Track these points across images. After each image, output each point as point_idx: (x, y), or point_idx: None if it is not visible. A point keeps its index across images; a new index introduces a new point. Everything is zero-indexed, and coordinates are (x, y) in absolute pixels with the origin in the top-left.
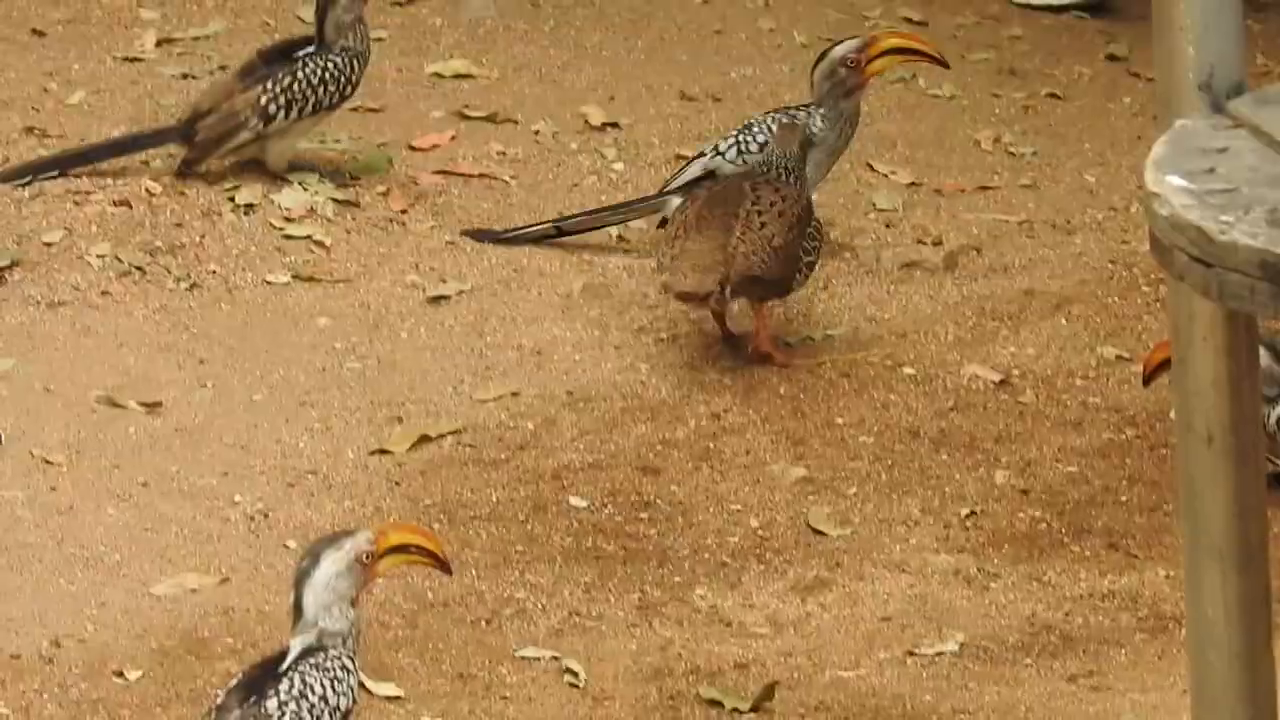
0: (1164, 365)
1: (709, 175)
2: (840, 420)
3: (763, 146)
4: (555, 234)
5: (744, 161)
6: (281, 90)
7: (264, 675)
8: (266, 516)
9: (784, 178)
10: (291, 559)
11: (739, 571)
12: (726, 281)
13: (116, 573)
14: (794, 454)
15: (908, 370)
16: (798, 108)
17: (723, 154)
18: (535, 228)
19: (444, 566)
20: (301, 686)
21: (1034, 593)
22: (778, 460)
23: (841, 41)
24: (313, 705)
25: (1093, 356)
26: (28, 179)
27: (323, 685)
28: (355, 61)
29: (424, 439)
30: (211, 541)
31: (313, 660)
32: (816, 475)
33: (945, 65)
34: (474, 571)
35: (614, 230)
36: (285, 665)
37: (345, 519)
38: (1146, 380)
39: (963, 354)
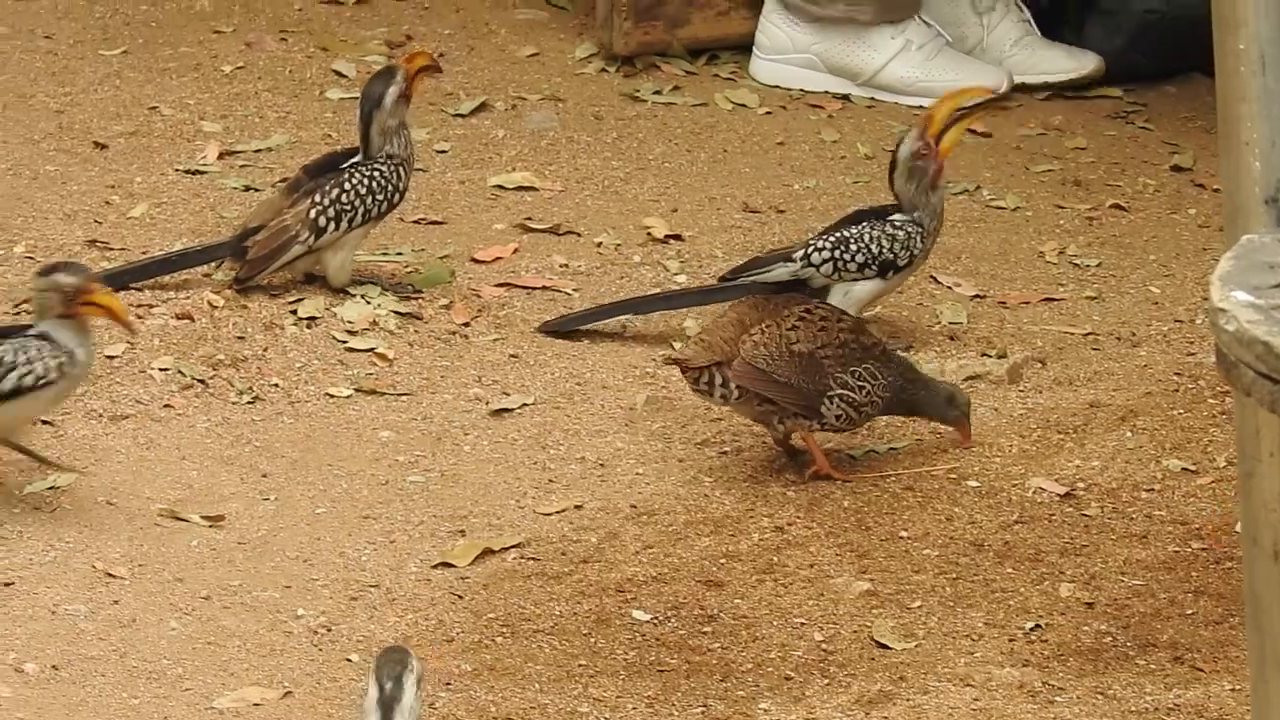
0: None
1: (798, 283)
2: (904, 533)
3: (862, 267)
4: (630, 312)
5: (839, 278)
6: (330, 202)
7: None
8: (329, 630)
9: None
10: (354, 672)
11: (803, 685)
12: (724, 363)
13: (179, 686)
14: (858, 567)
15: (972, 483)
16: (884, 208)
17: (816, 267)
18: (610, 308)
19: None
20: None
21: (1099, 707)
22: (841, 573)
23: (900, 142)
24: None
25: (1158, 469)
26: None
27: None
28: (401, 169)
29: (487, 552)
30: (274, 655)
31: None
32: (880, 588)
33: (1003, 102)
34: (537, 685)
35: (678, 345)
36: None
37: (408, 632)
38: None
39: (1027, 467)
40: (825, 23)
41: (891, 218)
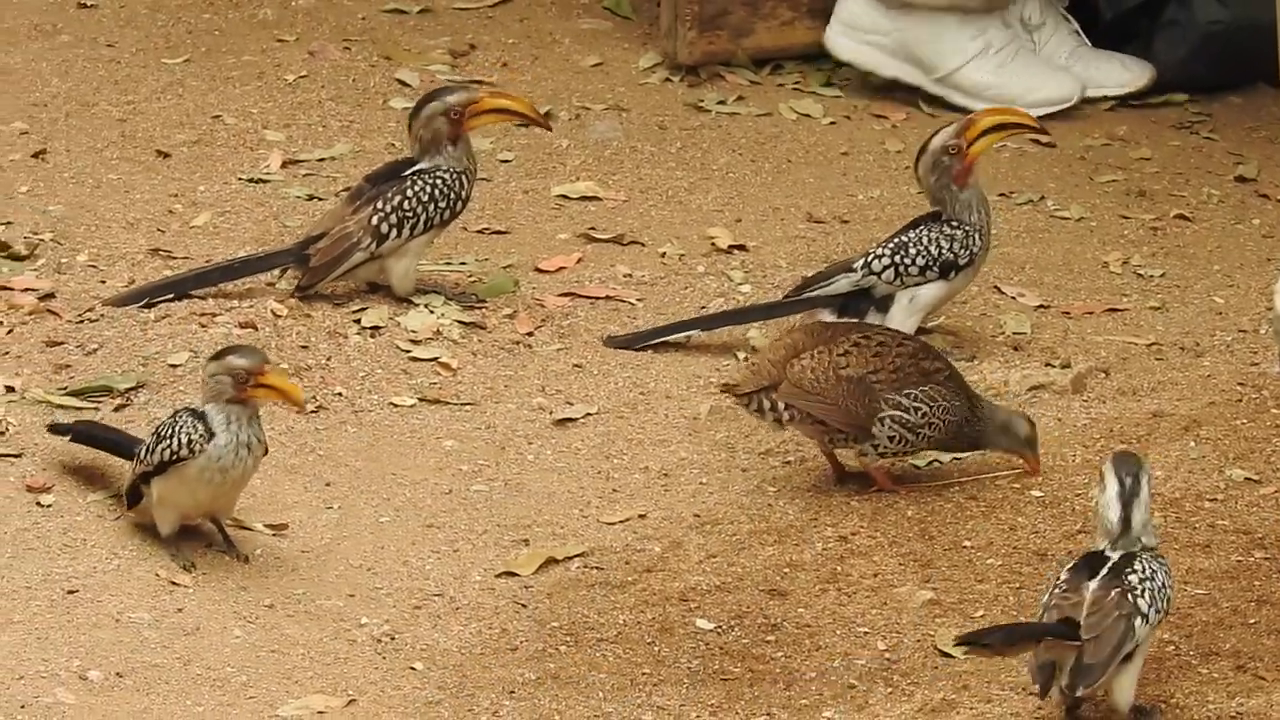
0: None
1: (862, 293)
2: (968, 543)
3: (924, 269)
4: (696, 330)
5: (902, 283)
6: (393, 209)
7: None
8: (393, 639)
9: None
10: (418, 681)
11: (866, 694)
12: (773, 388)
13: (243, 694)
14: (921, 576)
15: (1035, 493)
16: (927, 216)
17: (878, 274)
18: (676, 326)
19: None
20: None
21: (1162, 715)
22: (905, 582)
23: (939, 131)
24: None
25: (1221, 479)
26: (143, 301)
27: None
28: (464, 178)
29: (551, 561)
30: (338, 663)
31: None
32: (944, 597)
33: (1044, 134)
34: (601, 694)
35: (742, 355)
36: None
37: (471, 641)
38: None
39: (1091, 476)
40: (914, 10)
41: (946, 226)
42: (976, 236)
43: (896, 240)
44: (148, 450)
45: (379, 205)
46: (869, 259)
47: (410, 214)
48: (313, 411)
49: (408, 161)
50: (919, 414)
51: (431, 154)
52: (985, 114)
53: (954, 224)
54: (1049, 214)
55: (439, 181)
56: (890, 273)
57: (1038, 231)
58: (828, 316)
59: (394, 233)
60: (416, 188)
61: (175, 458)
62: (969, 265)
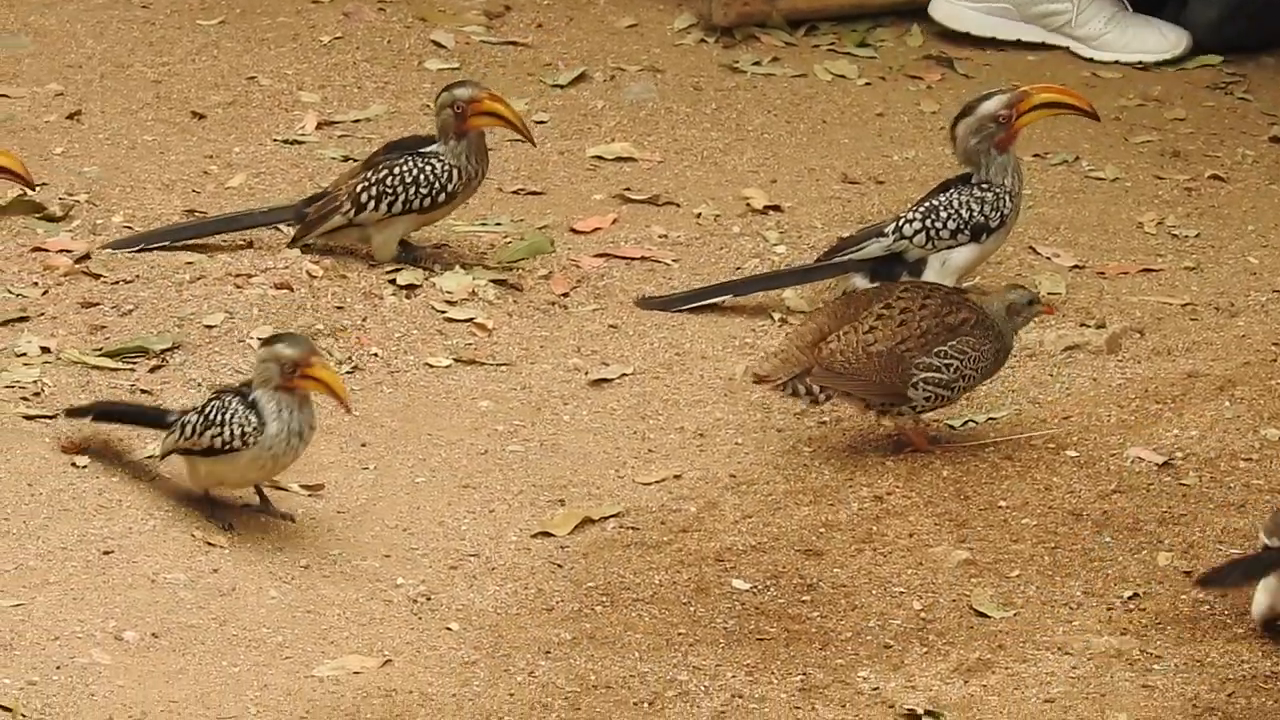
0: None
1: (894, 257)
2: (1003, 503)
3: (954, 233)
4: (730, 294)
5: (933, 247)
6: (376, 182)
7: None
8: (429, 599)
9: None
10: (454, 641)
11: (902, 654)
12: (805, 373)
13: (279, 654)
14: (957, 536)
15: (1071, 453)
16: (957, 179)
17: (909, 239)
18: (710, 290)
19: None
20: None
21: (1197, 675)
22: (940, 542)
23: (990, 95)
24: None
25: (1256, 439)
26: (138, 247)
27: None
28: (455, 173)
29: (586, 521)
30: (374, 624)
31: None
32: (979, 557)
33: (1095, 118)
34: (637, 653)
35: (777, 316)
36: None
37: (507, 601)
38: None
39: (1126, 436)
40: None
41: (977, 188)
42: (1007, 199)
43: (927, 204)
44: (194, 430)
45: (368, 175)
46: (900, 223)
47: (390, 191)
48: (349, 372)
49: (430, 139)
50: (952, 370)
51: (441, 140)
52: (1041, 89)
53: (984, 186)
54: (1084, 174)
55: (428, 169)
56: (921, 237)
57: (1073, 192)
58: (860, 281)
59: (372, 204)
60: (404, 169)
61: (227, 447)
62: (1000, 228)
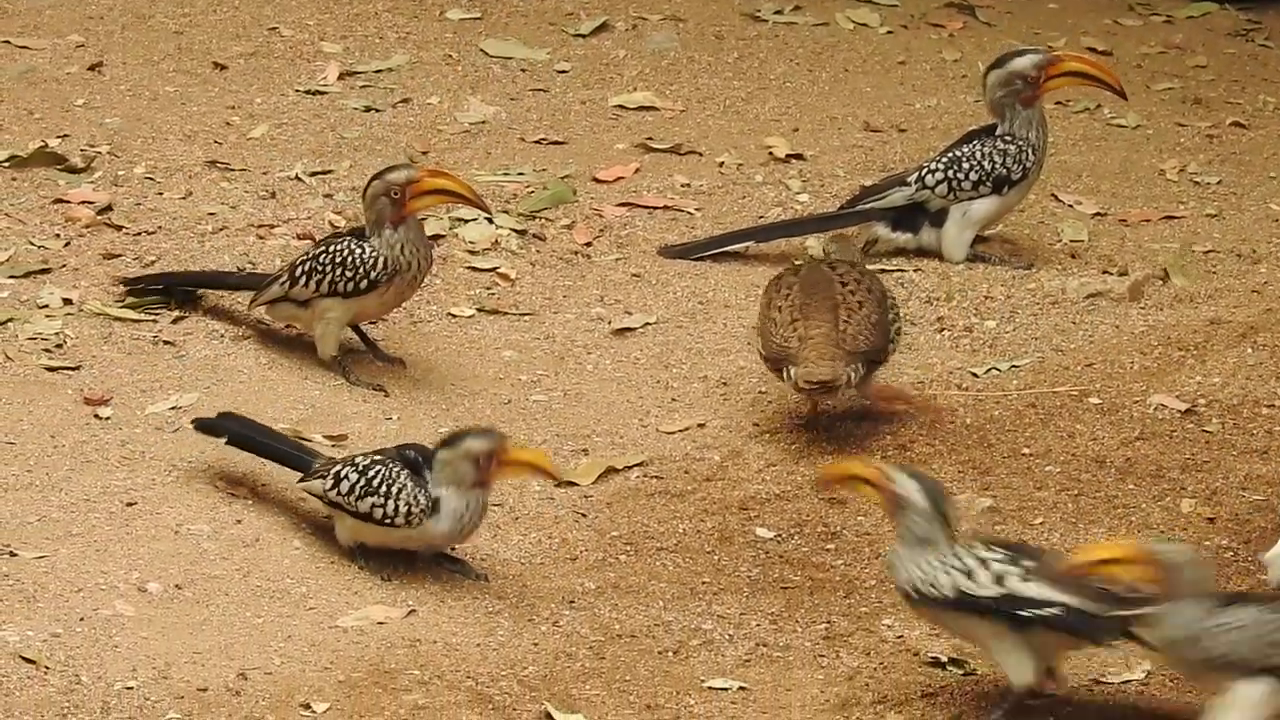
0: None
1: (916, 206)
2: (1027, 450)
3: (976, 184)
4: (751, 242)
5: (955, 197)
6: (310, 258)
7: None
8: (453, 549)
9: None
10: (478, 591)
11: None
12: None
13: (302, 605)
14: (981, 483)
15: (1094, 400)
16: (981, 130)
17: (931, 188)
18: (733, 236)
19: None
20: None
21: None
22: (964, 490)
23: (1023, 53)
24: None
25: (1278, 385)
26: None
27: None
28: (382, 260)
29: (610, 471)
30: (397, 574)
31: None
32: (1003, 504)
33: (1123, 96)
34: (661, 602)
35: (798, 262)
36: None
37: (532, 551)
38: None
39: (1148, 383)
40: None
41: (1000, 140)
42: (1030, 152)
43: (950, 154)
44: (351, 490)
45: (309, 251)
46: (923, 173)
47: (319, 269)
48: (371, 323)
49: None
50: (898, 316)
51: (375, 232)
52: (1073, 59)
53: (1008, 138)
54: (1105, 122)
55: (357, 252)
56: (944, 187)
57: (1095, 139)
58: (882, 229)
59: (304, 280)
60: (335, 249)
61: (388, 521)
62: (1022, 180)
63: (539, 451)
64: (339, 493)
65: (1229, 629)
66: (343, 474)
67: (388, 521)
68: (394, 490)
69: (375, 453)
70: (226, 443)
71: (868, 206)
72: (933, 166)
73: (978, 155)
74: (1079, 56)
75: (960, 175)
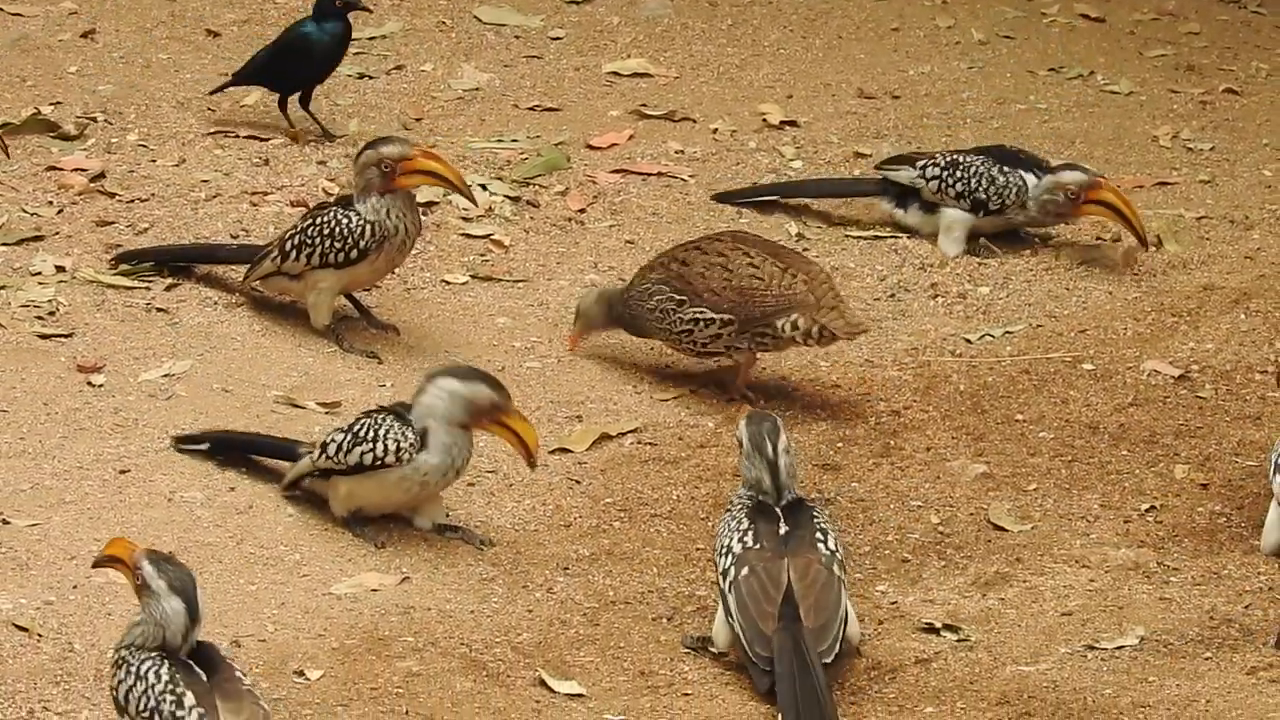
0: None
1: (911, 192)
2: (1020, 416)
3: (958, 196)
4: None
5: (940, 199)
6: (298, 231)
7: None
8: (447, 515)
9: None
10: (472, 558)
11: (919, 567)
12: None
13: (296, 572)
14: (974, 450)
15: (1087, 366)
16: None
17: (927, 181)
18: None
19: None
20: None
21: (1213, 586)
22: (958, 456)
23: (1073, 168)
24: None
25: (1271, 351)
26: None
27: None
28: (369, 228)
29: (604, 437)
30: (391, 541)
31: None
32: (997, 471)
33: (1144, 245)
34: (654, 569)
35: (792, 229)
36: None
37: (526, 518)
38: None
39: (1141, 349)
40: None
41: (1006, 168)
42: (1014, 194)
43: (955, 158)
44: (338, 449)
45: (298, 224)
46: (927, 165)
47: (308, 242)
48: (365, 290)
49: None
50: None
51: (361, 199)
52: (1109, 190)
53: (1004, 170)
54: (1099, 88)
55: (344, 222)
56: (935, 184)
57: (1088, 106)
58: (885, 204)
59: (294, 254)
60: (323, 219)
61: (378, 464)
62: (996, 213)
63: (528, 428)
64: (327, 456)
65: None
66: (329, 439)
67: (379, 464)
68: (380, 432)
69: (360, 414)
70: (209, 451)
71: (884, 175)
72: (938, 161)
73: (973, 170)
74: (1115, 190)
75: (950, 180)
